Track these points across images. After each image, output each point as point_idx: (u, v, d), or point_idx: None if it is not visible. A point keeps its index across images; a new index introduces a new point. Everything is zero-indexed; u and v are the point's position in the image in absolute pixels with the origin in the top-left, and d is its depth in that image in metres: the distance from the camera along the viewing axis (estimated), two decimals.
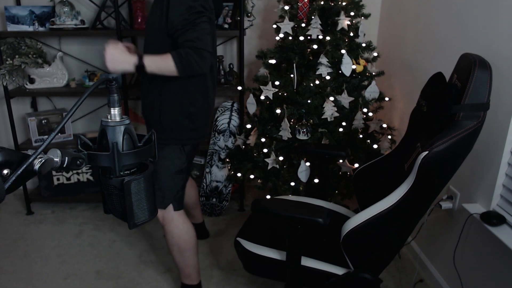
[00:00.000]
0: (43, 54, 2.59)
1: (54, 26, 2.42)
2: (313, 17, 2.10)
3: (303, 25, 2.14)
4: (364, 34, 2.25)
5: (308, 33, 2.10)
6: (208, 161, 2.63)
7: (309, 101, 2.09)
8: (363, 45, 2.19)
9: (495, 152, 1.55)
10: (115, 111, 0.71)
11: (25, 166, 0.57)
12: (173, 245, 1.77)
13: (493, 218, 1.50)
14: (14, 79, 2.48)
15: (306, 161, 2.13)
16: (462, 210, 1.72)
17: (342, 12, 2.10)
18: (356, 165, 2.19)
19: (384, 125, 2.29)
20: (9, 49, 2.47)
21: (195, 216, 2.36)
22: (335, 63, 2.12)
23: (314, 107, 2.10)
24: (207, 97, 1.73)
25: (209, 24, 1.52)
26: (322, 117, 2.11)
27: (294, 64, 2.12)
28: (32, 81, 2.56)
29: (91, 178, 2.78)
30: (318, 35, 2.11)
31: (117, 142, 0.69)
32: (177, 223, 1.76)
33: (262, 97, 2.23)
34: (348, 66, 2.11)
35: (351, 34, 2.16)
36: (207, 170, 2.61)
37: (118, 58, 1.49)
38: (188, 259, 1.81)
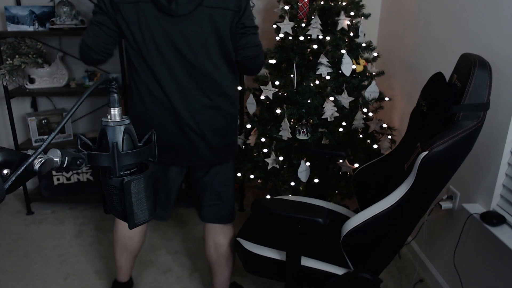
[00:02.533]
0: (43, 54, 2.59)
1: (54, 26, 2.42)
2: (313, 17, 2.10)
3: (303, 25, 2.14)
4: (364, 34, 2.25)
5: (308, 33, 2.10)
6: None
7: (309, 101, 2.09)
8: (363, 45, 2.19)
9: (495, 152, 1.55)
10: (115, 111, 0.71)
11: (25, 166, 0.57)
12: None
13: (493, 218, 1.50)
14: (14, 79, 2.48)
15: (306, 161, 2.13)
16: (462, 210, 1.72)
17: (342, 12, 2.10)
18: (356, 165, 2.19)
19: (384, 125, 2.29)
20: (9, 49, 2.47)
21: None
22: (335, 63, 2.12)
23: (314, 107, 2.10)
24: (142, 105, 1.48)
25: (99, 14, 1.42)
26: (322, 117, 2.11)
27: (294, 64, 2.12)
28: (32, 81, 2.56)
29: (91, 178, 2.78)
30: (318, 35, 2.11)
31: (117, 142, 0.69)
32: (116, 220, 1.83)
33: (262, 97, 2.23)
34: (348, 66, 2.11)
35: (351, 34, 2.16)
36: None
37: None
38: (115, 253, 1.84)
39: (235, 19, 1.43)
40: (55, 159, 0.64)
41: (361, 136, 2.25)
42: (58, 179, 2.73)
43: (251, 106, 2.34)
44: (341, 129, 2.17)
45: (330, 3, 2.15)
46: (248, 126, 2.41)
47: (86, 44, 1.42)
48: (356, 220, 1.29)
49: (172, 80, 1.43)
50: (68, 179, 2.75)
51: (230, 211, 1.71)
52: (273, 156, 2.19)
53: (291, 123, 2.17)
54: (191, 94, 1.45)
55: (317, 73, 2.10)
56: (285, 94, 2.17)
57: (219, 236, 1.71)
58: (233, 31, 1.45)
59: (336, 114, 2.11)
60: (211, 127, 1.50)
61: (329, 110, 2.09)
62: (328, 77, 2.11)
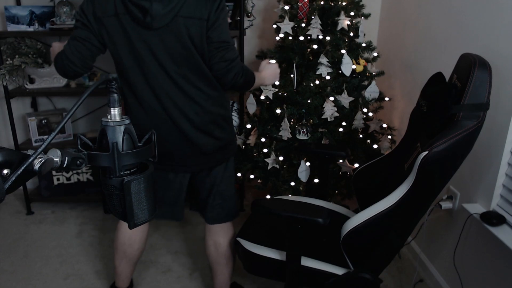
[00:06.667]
0: (43, 54, 2.59)
1: (54, 26, 2.42)
2: (313, 17, 2.10)
3: (303, 25, 2.14)
4: (364, 34, 2.25)
5: (308, 33, 2.10)
6: None
7: (309, 101, 2.09)
8: (363, 45, 2.19)
9: (495, 152, 1.55)
10: (115, 111, 0.71)
11: (25, 166, 0.57)
12: None
13: (493, 218, 1.50)
14: (14, 79, 2.48)
15: (306, 161, 2.13)
16: (462, 210, 1.72)
17: (342, 12, 2.10)
18: (356, 165, 2.19)
19: (384, 125, 2.29)
20: (9, 49, 2.47)
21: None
22: (335, 63, 2.12)
23: (314, 107, 2.10)
24: (135, 114, 1.51)
25: (81, 29, 1.40)
26: (322, 117, 2.11)
27: (294, 64, 2.12)
28: (32, 81, 2.56)
29: (91, 178, 2.78)
30: (318, 35, 2.11)
31: (117, 142, 0.69)
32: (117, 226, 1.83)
33: (262, 97, 2.23)
34: (348, 66, 2.11)
35: (351, 34, 2.16)
36: None
37: None
38: (114, 260, 1.84)
39: (206, 30, 1.40)
40: (55, 159, 0.64)
41: (361, 136, 2.25)
42: (58, 179, 2.73)
43: (251, 106, 2.34)
44: (341, 129, 2.17)
45: (330, 3, 2.15)
46: (248, 126, 2.41)
47: (69, 58, 1.41)
48: (356, 220, 1.29)
49: (159, 90, 1.43)
50: (68, 179, 2.75)
51: (233, 209, 1.73)
52: (273, 156, 2.19)
53: (291, 123, 2.17)
54: (180, 102, 1.45)
55: (317, 73, 2.10)
56: (285, 94, 2.17)
57: (219, 235, 1.71)
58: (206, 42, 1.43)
59: (336, 114, 2.11)
60: (203, 132, 1.51)
61: (329, 110, 2.09)
62: (328, 77, 2.11)
